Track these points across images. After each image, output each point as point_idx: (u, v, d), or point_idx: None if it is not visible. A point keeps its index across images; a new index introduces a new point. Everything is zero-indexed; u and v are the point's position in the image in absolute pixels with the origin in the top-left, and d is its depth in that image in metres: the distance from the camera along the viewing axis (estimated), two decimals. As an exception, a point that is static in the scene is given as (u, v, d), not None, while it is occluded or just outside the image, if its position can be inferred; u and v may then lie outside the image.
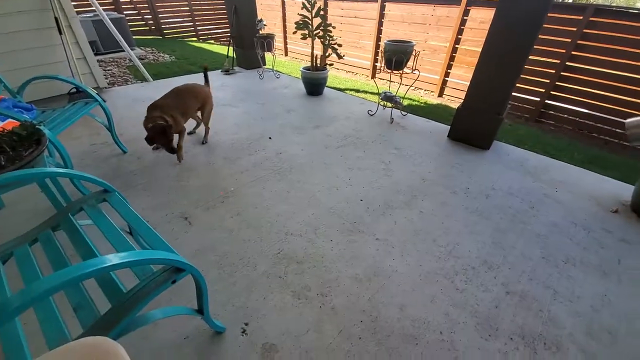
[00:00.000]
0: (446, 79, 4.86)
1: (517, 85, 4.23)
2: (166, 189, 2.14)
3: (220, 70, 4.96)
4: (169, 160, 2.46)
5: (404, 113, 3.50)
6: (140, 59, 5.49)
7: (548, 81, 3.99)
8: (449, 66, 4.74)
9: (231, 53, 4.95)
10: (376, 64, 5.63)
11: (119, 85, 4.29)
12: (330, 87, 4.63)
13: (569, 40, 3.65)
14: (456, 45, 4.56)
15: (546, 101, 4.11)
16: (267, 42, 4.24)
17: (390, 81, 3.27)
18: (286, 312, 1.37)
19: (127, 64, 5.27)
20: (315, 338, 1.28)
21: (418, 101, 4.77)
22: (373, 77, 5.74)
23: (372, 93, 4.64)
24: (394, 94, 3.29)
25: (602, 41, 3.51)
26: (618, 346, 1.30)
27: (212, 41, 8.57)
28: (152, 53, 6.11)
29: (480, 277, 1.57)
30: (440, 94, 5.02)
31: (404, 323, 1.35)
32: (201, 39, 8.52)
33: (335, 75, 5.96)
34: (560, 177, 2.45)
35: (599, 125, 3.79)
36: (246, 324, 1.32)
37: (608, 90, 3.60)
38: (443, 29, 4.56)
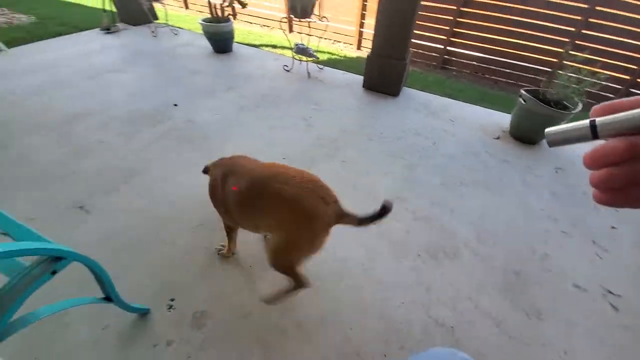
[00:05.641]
0: (362, 30, 4.87)
1: (422, 33, 4.51)
2: (51, 178, 1.79)
3: (98, 28, 4.05)
4: (46, 146, 2.02)
5: (320, 67, 3.45)
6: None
7: (447, 28, 4.32)
8: (363, 16, 4.72)
9: (108, 6, 4.03)
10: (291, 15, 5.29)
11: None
12: (242, 44, 4.24)
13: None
14: (366, -6, 4.53)
15: (448, 48, 4.50)
16: (150, -11, 3.55)
17: (310, 35, 3.13)
18: (214, 278, 1.35)
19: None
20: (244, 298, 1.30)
21: (338, 55, 4.73)
22: (291, 30, 5.44)
23: (289, 48, 4.42)
24: (306, 45, 3.18)
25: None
26: (499, 245, 1.63)
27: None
28: (3, 15, 4.65)
29: (393, 210, 1.75)
30: (359, 47, 5.05)
31: (331, 264, 1.45)
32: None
33: (249, 31, 5.46)
34: (456, 114, 2.79)
35: (491, 67, 4.35)
36: (172, 300, 1.27)
37: (498, 34, 4.07)
38: (353, -24, 4.43)
